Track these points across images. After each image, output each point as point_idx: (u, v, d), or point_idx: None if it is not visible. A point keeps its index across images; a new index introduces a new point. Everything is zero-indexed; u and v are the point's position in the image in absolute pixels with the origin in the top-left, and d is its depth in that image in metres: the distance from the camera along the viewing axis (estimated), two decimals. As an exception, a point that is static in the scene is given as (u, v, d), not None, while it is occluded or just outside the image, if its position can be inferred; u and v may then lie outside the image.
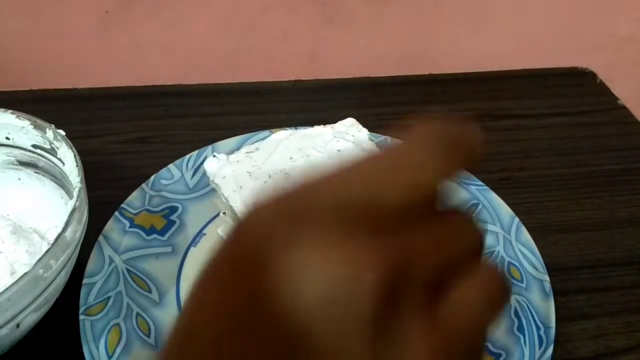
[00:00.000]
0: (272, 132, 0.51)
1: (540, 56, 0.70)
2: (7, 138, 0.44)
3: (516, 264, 0.44)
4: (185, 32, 0.64)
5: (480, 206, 0.48)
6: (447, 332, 0.16)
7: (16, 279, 0.32)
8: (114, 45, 0.64)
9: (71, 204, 0.36)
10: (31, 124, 0.43)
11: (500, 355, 0.38)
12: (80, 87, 0.63)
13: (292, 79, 0.66)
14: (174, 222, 0.46)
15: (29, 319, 0.34)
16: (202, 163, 0.47)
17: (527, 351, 0.38)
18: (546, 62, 0.69)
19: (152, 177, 0.48)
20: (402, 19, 0.66)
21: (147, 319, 0.40)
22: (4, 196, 0.46)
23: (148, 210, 0.46)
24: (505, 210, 0.47)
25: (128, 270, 0.42)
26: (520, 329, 0.40)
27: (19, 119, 0.43)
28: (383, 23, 0.66)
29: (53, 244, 0.34)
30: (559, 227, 0.49)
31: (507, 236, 0.45)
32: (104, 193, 0.45)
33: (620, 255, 0.47)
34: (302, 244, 0.14)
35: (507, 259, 0.44)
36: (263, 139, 0.47)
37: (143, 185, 0.47)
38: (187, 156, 0.50)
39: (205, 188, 0.48)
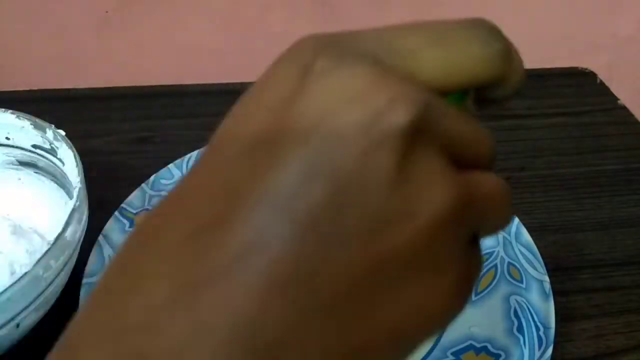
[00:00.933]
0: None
1: (540, 56, 0.70)
2: (7, 138, 0.44)
3: (516, 264, 0.44)
4: (185, 32, 0.64)
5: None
6: (467, 184, 0.15)
7: (16, 279, 0.32)
8: (113, 45, 0.64)
9: (71, 204, 0.36)
10: (31, 124, 0.43)
11: (499, 355, 0.38)
12: (80, 87, 0.63)
13: (292, 79, 0.66)
14: (173, 222, 0.46)
15: (29, 319, 0.34)
16: (202, 163, 0.47)
17: (526, 352, 0.38)
18: (546, 62, 0.69)
19: (152, 177, 0.48)
20: (402, 19, 0.66)
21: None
22: (4, 196, 0.46)
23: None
24: (505, 210, 0.47)
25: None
26: (520, 329, 0.40)
27: (19, 119, 0.43)
28: (383, 23, 0.66)
29: (53, 244, 0.34)
30: (559, 227, 0.49)
31: (507, 236, 0.45)
32: (104, 193, 0.45)
33: (620, 255, 0.47)
34: (340, 69, 0.15)
35: (507, 259, 0.44)
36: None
37: (143, 185, 0.47)
38: (187, 156, 0.50)
39: (205, 188, 0.48)
